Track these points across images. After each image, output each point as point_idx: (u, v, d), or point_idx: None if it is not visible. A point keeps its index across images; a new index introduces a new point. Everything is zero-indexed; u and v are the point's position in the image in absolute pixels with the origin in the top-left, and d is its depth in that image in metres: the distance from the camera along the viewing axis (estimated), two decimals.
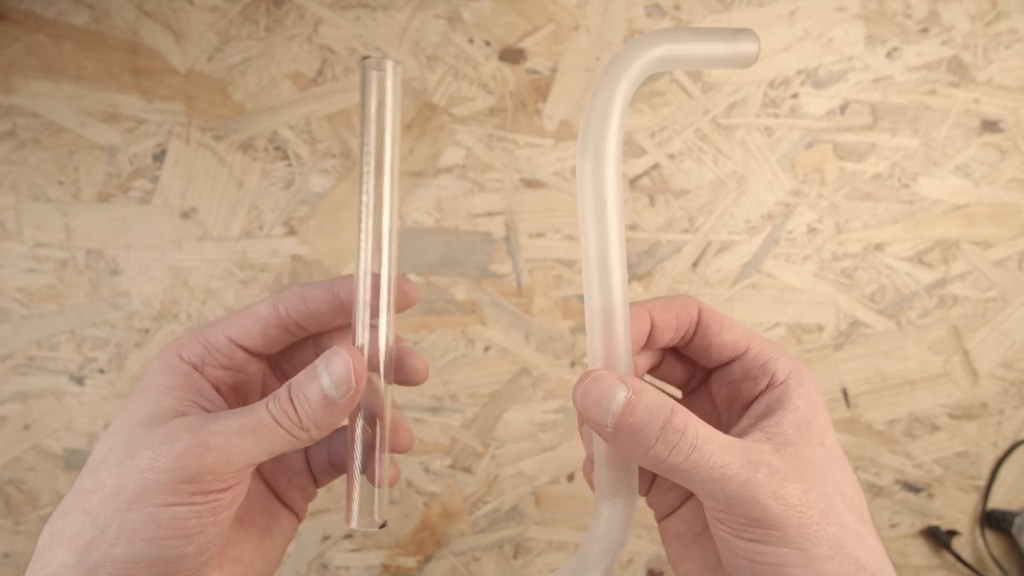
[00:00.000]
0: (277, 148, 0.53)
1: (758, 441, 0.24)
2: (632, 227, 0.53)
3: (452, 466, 0.54)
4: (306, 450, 0.30)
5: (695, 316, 0.27)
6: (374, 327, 0.26)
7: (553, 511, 0.54)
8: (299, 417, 0.24)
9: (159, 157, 0.52)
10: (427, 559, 0.54)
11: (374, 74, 0.25)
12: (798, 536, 0.22)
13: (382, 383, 0.27)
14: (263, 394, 0.29)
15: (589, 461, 0.28)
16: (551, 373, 0.53)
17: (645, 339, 0.27)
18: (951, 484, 0.55)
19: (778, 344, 0.27)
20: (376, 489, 0.27)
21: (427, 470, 0.54)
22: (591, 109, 0.24)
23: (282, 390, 0.24)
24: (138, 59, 0.52)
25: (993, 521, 0.54)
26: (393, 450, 0.28)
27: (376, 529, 0.28)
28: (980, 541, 0.55)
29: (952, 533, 0.54)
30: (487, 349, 0.53)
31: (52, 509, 0.53)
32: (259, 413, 0.24)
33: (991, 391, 0.55)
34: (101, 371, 0.53)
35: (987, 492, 0.55)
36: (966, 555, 0.55)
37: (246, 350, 0.27)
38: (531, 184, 0.53)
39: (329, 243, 0.53)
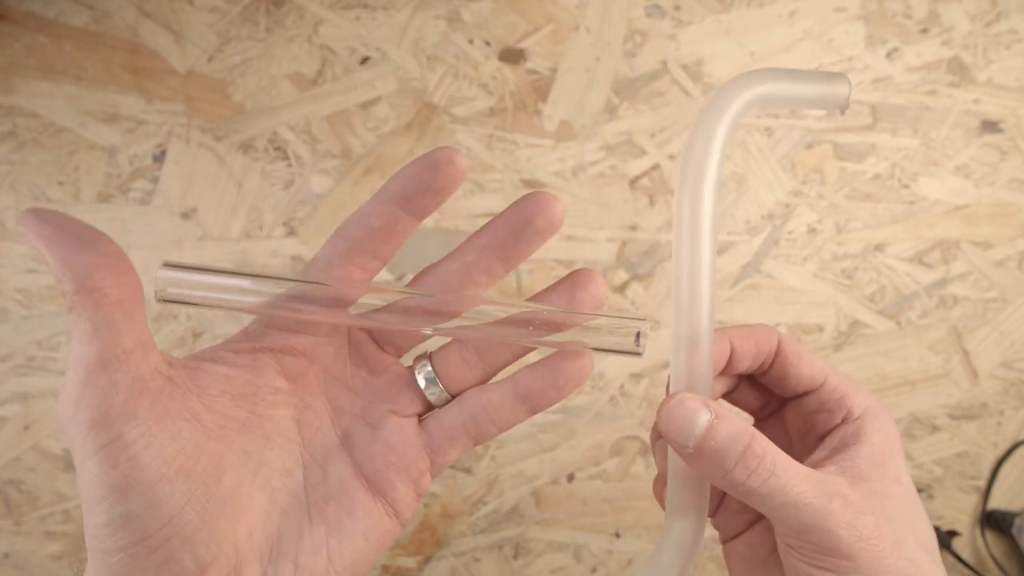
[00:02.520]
0: (277, 148, 0.53)
1: (833, 474, 0.24)
2: (632, 228, 0.53)
3: (452, 466, 0.54)
4: (421, 418, 0.26)
5: (774, 346, 0.27)
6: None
7: (553, 512, 0.54)
8: None
9: (159, 158, 0.52)
10: (427, 560, 0.54)
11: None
12: (870, 568, 0.22)
13: None
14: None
15: (661, 479, 0.27)
16: None
17: (724, 364, 0.27)
18: (951, 484, 0.55)
19: (855, 380, 0.27)
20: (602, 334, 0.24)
21: None
22: (692, 141, 0.24)
23: None
24: (138, 59, 0.52)
25: (993, 522, 0.54)
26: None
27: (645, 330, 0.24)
28: (980, 542, 0.55)
29: (952, 534, 0.54)
30: None
31: (52, 509, 0.53)
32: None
33: (991, 391, 0.55)
34: None
35: (987, 493, 0.55)
36: (966, 556, 0.55)
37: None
38: (531, 184, 0.53)
39: None
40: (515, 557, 0.54)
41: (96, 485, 0.20)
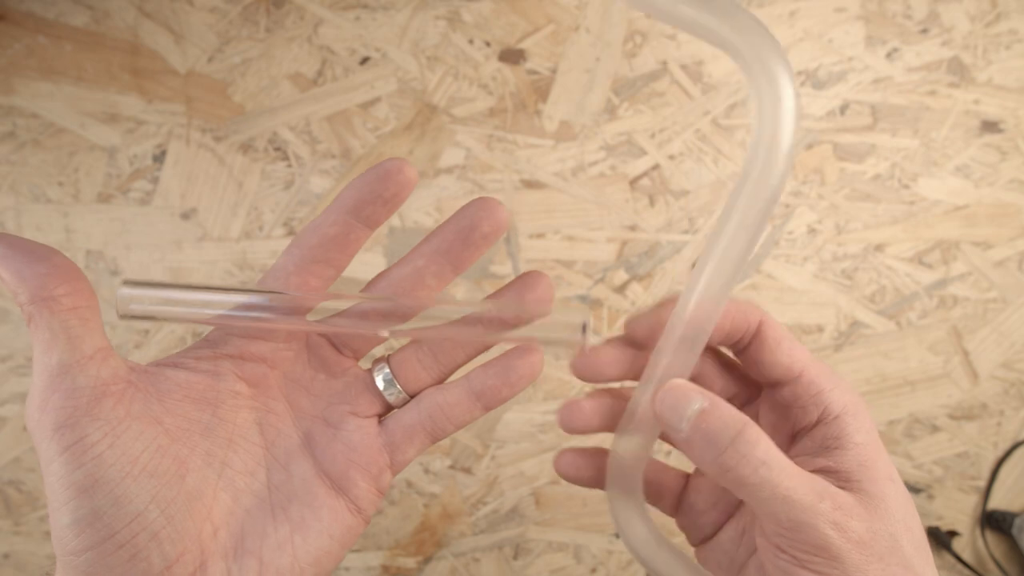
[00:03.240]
0: (277, 149, 0.53)
1: (821, 478, 0.24)
2: (632, 228, 0.53)
3: (452, 467, 0.54)
4: (381, 418, 0.27)
5: (754, 326, 0.26)
6: None
7: (553, 512, 0.54)
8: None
9: (159, 158, 0.52)
10: (427, 560, 0.54)
11: None
12: (858, 572, 0.22)
13: None
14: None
15: (571, 453, 0.28)
16: (551, 374, 0.53)
17: None
18: (951, 485, 0.55)
19: (836, 374, 0.26)
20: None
21: (427, 471, 0.54)
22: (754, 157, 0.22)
23: None
24: (138, 60, 0.52)
25: (993, 522, 0.54)
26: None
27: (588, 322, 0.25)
28: (980, 542, 0.55)
29: (952, 534, 0.54)
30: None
31: None
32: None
33: (991, 392, 0.55)
34: None
35: (987, 493, 0.55)
36: (966, 556, 0.55)
37: None
38: (531, 185, 0.53)
39: None
40: (515, 557, 0.54)
41: (63, 486, 0.21)
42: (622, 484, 0.26)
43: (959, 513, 0.55)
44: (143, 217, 0.52)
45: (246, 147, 0.53)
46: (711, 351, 0.28)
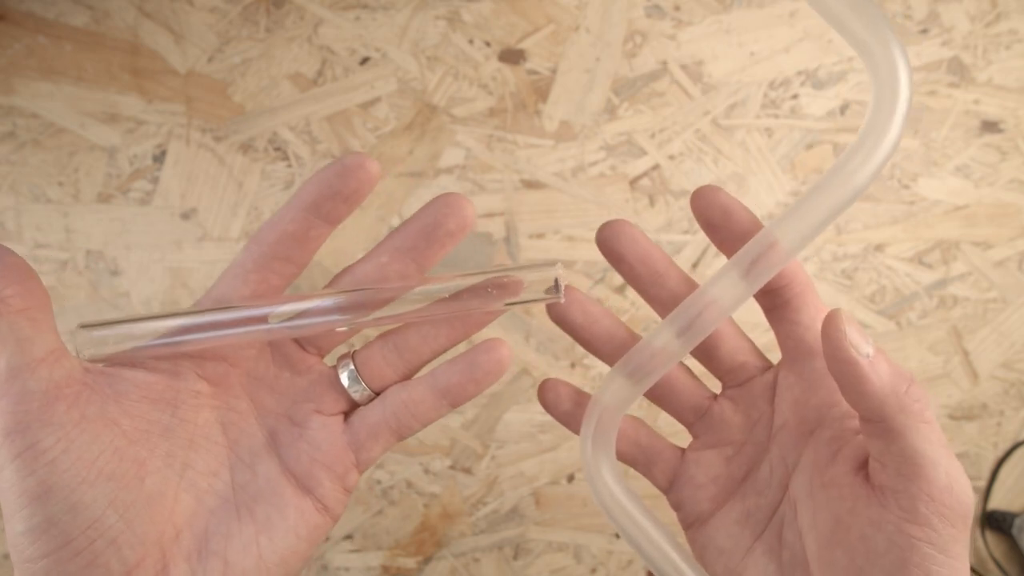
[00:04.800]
0: (277, 149, 0.53)
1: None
2: None
3: (452, 467, 0.54)
4: (347, 416, 0.26)
5: (797, 287, 0.25)
6: None
7: (553, 512, 0.54)
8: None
9: (159, 158, 0.52)
10: (427, 560, 0.54)
11: None
12: (954, 545, 0.22)
13: None
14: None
15: (556, 381, 0.28)
16: (551, 374, 0.53)
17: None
18: None
19: None
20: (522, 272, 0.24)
21: (427, 471, 0.54)
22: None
23: None
24: (138, 60, 0.52)
25: (993, 522, 0.54)
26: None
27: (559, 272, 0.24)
28: (980, 542, 0.55)
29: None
30: None
31: None
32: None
33: (991, 392, 0.55)
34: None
35: (987, 493, 0.55)
36: None
37: None
38: (531, 185, 0.53)
39: (329, 244, 0.53)
40: (515, 557, 0.54)
41: (15, 493, 0.20)
42: (599, 430, 0.26)
43: None
44: (143, 217, 0.52)
45: (246, 147, 0.53)
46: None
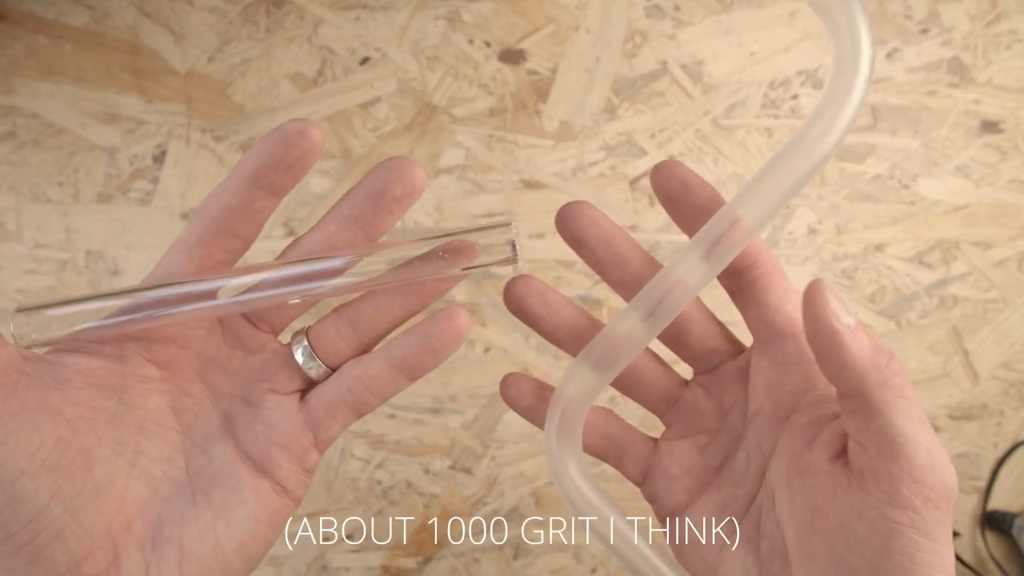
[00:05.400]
0: None
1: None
2: (632, 228, 0.53)
3: (452, 467, 0.54)
4: (302, 395, 0.25)
5: (763, 268, 0.24)
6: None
7: (553, 512, 0.54)
8: None
9: (159, 158, 0.52)
10: (427, 560, 0.54)
11: None
12: (935, 524, 0.21)
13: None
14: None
15: (517, 375, 0.27)
16: (551, 374, 0.53)
17: None
18: None
19: None
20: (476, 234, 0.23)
21: (427, 471, 0.54)
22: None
23: None
24: (138, 60, 0.52)
25: (993, 522, 0.54)
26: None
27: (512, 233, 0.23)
28: (980, 542, 0.55)
29: (952, 534, 0.54)
30: (487, 350, 0.53)
31: None
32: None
33: (991, 392, 0.55)
34: None
35: (987, 493, 0.55)
36: (966, 556, 0.55)
37: None
38: (531, 185, 0.53)
39: None
40: (515, 557, 0.54)
41: None
42: (563, 424, 0.25)
43: (959, 513, 0.55)
44: (143, 217, 0.52)
45: (246, 147, 0.53)
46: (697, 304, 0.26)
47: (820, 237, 0.54)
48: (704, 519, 0.25)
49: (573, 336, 0.26)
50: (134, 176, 0.52)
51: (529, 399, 0.27)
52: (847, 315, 0.21)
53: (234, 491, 0.24)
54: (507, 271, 0.53)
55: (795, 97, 0.54)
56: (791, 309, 0.24)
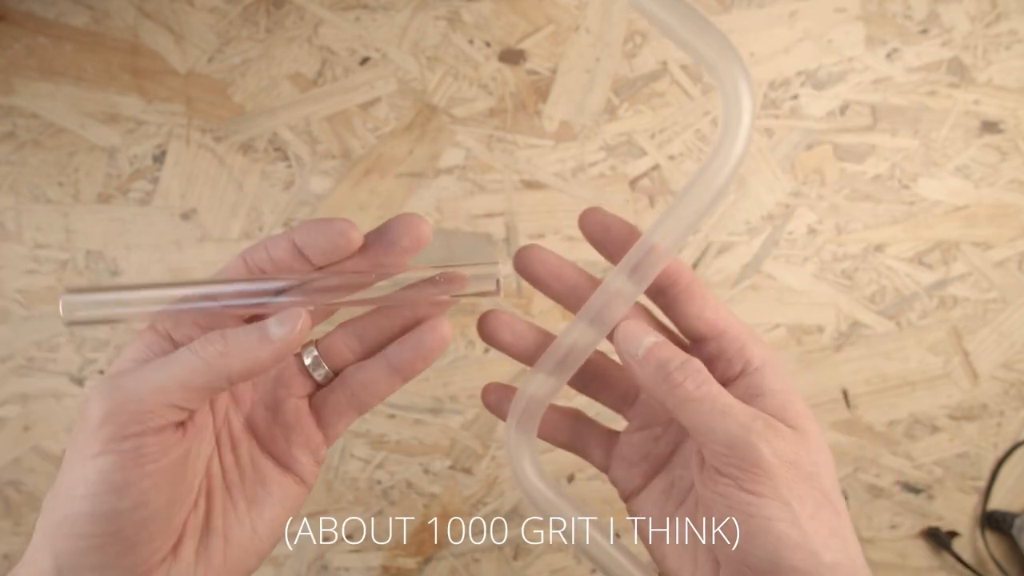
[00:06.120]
0: (277, 149, 0.53)
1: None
2: None
3: (452, 467, 0.54)
4: (312, 398, 0.29)
5: (683, 280, 0.28)
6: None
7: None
8: (225, 345, 0.24)
9: (159, 158, 0.52)
10: (427, 560, 0.54)
11: None
12: (786, 490, 0.24)
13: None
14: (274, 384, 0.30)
15: (497, 385, 0.31)
16: None
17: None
18: (951, 485, 0.55)
19: (755, 332, 0.28)
20: (469, 266, 0.27)
21: (427, 471, 0.54)
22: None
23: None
24: (138, 60, 0.52)
25: (993, 522, 0.54)
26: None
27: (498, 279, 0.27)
28: (980, 542, 0.55)
29: (952, 534, 0.54)
30: (487, 350, 0.53)
31: None
32: (181, 349, 0.24)
33: (991, 392, 0.55)
34: (101, 372, 0.53)
35: (987, 493, 0.55)
36: (966, 556, 0.55)
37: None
38: (531, 185, 0.53)
39: None
40: (515, 557, 0.54)
41: (98, 479, 0.22)
42: (524, 421, 0.29)
43: (959, 513, 0.55)
44: (143, 217, 0.52)
45: (246, 147, 0.53)
46: (643, 311, 0.30)
47: (820, 237, 0.54)
48: (654, 498, 0.29)
49: (540, 355, 0.30)
50: (134, 176, 0.52)
51: (507, 405, 0.30)
52: (636, 343, 0.26)
53: (263, 485, 0.28)
54: (507, 271, 0.53)
55: (795, 97, 0.54)
56: (710, 315, 0.28)
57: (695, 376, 0.25)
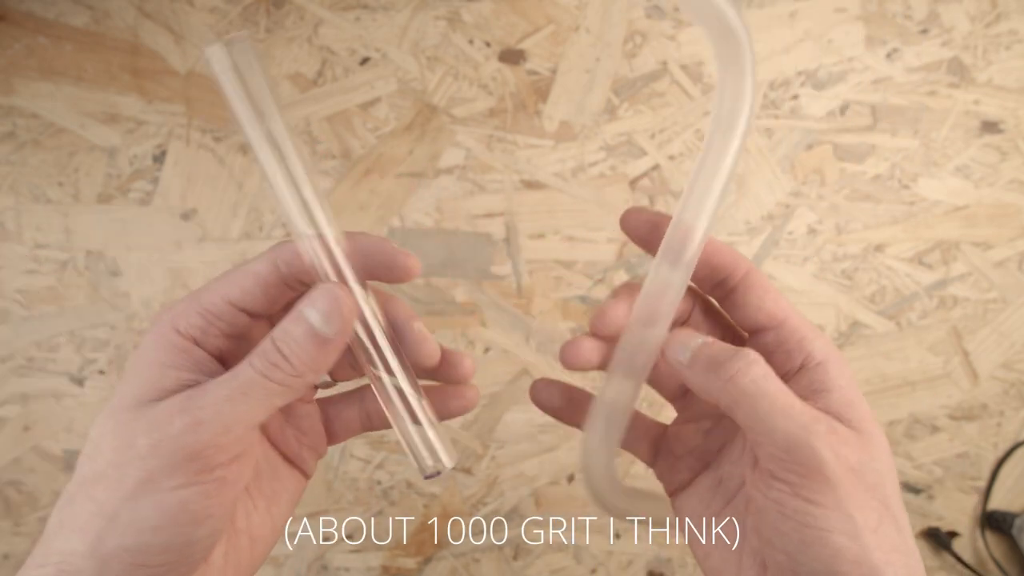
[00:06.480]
0: None
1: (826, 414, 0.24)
2: None
3: (452, 467, 0.54)
4: (325, 407, 0.30)
5: (741, 271, 0.27)
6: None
7: (553, 512, 0.54)
8: (291, 364, 0.23)
9: (159, 158, 0.52)
10: (427, 560, 0.54)
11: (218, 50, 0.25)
12: (848, 500, 0.22)
13: (374, 314, 0.26)
14: None
15: (545, 381, 0.30)
16: (551, 374, 0.53)
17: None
18: (951, 485, 0.55)
19: (816, 327, 0.26)
20: (426, 428, 0.26)
21: None
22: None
23: (265, 342, 0.23)
24: (138, 60, 0.52)
25: (993, 522, 0.54)
26: (428, 374, 0.28)
27: (445, 470, 0.27)
28: (980, 542, 0.55)
29: (952, 534, 0.54)
30: (487, 350, 0.53)
31: (52, 510, 0.53)
32: (245, 373, 0.23)
33: (991, 392, 0.55)
34: (101, 372, 0.53)
35: (987, 493, 0.55)
36: (966, 556, 0.55)
37: (248, 313, 0.25)
38: (531, 185, 0.53)
39: None
40: (515, 558, 0.54)
41: (181, 511, 0.22)
42: (605, 429, 0.27)
43: (959, 513, 0.55)
44: (143, 217, 0.52)
45: (246, 147, 0.53)
46: (700, 299, 0.28)
47: (820, 237, 0.54)
48: (700, 494, 0.28)
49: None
50: (134, 176, 0.52)
51: (558, 402, 0.30)
52: (682, 349, 0.25)
53: (279, 481, 0.28)
54: (507, 271, 0.53)
55: (795, 97, 0.54)
56: (770, 305, 0.26)
57: (750, 369, 0.23)
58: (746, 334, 0.28)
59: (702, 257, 0.26)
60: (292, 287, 0.26)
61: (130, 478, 0.22)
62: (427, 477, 0.27)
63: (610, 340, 0.28)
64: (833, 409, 0.24)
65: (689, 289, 0.27)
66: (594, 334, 0.27)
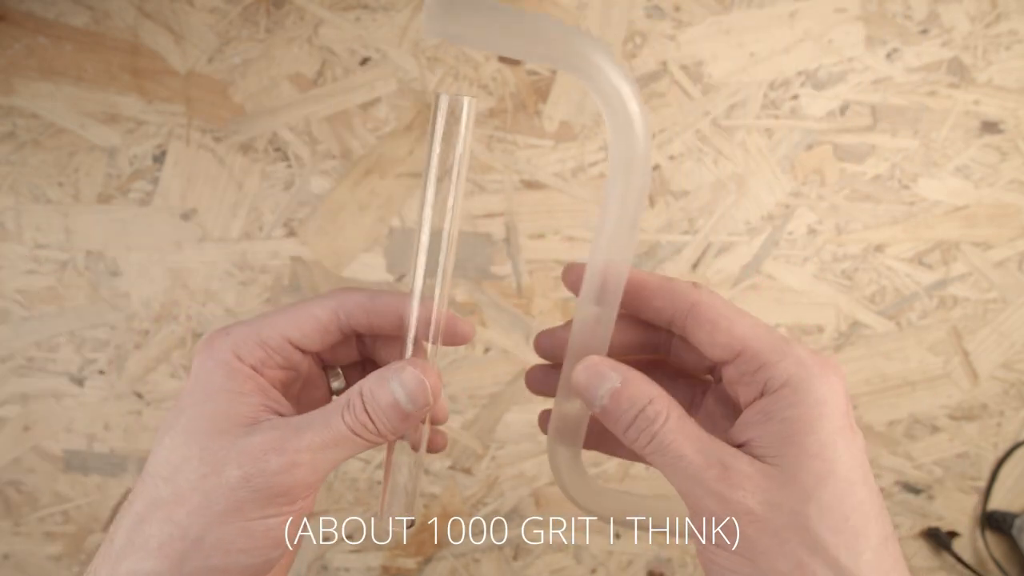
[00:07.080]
0: (277, 149, 0.53)
1: (738, 452, 0.23)
2: None
3: (452, 467, 0.54)
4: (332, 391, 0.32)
5: (683, 311, 0.26)
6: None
7: (553, 512, 0.54)
8: (376, 428, 0.25)
9: (159, 158, 0.52)
10: (427, 560, 0.54)
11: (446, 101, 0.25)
12: (746, 547, 0.22)
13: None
14: (306, 385, 0.30)
15: (538, 368, 0.30)
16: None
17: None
18: (951, 485, 0.55)
19: (789, 345, 0.25)
20: (408, 489, 0.29)
21: (427, 471, 0.54)
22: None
23: (355, 399, 0.25)
24: (138, 60, 0.52)
25: (993, 522, 0.54)
26: (430, 449, 0.31)
27: (404, 524, 0.29)
28: (980, 542, 0.55)
29: (952, 534, 0.54)
30: (487, 350, 0.53)
31: (52, 510, 0.53)
32: (338, 426, 0.25)
33: (991, 392, 0.55)
34: (101, 372, 0.53)
35: (987, 493, 0.55)
36: (966, 556, 0.55)
37: (301, 350, 0.28)
38: (531, 185, 0.53)
39: (329, 244, 0.53)
40: (515, 558, 0.54)
41: (266, 537, 0.24)
42: (565, 436, 0.28)
43: (959, 513, 0.55)
44: (143, 218, 0.52)
45: (246, 147, 0.53)
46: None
47: (820, 237, 0.54)
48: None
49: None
50: (134, 176, 0.52)
51: (550, 386, 0.30)
52: (596, 391, 0.25)
53: None
54: (507, 271, 0.53)
55: (795, 98, 0.54)
56: (722, 338, 0.26)
57: (647, 431, 0.24)
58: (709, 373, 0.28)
59: (642, 299, 0.27)
60: (347, 334, 0.28)
61: (218, 505, 0.23)
62: (390, 525, 0.29)
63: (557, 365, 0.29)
64: (765, 442, 0.23)
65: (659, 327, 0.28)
66: (542, 356, 0.29)
